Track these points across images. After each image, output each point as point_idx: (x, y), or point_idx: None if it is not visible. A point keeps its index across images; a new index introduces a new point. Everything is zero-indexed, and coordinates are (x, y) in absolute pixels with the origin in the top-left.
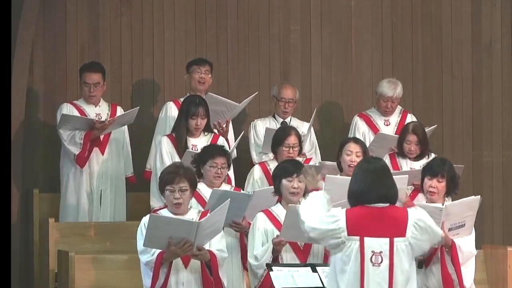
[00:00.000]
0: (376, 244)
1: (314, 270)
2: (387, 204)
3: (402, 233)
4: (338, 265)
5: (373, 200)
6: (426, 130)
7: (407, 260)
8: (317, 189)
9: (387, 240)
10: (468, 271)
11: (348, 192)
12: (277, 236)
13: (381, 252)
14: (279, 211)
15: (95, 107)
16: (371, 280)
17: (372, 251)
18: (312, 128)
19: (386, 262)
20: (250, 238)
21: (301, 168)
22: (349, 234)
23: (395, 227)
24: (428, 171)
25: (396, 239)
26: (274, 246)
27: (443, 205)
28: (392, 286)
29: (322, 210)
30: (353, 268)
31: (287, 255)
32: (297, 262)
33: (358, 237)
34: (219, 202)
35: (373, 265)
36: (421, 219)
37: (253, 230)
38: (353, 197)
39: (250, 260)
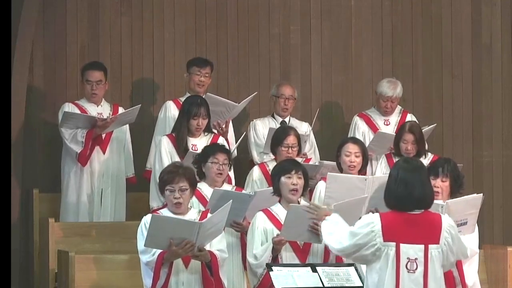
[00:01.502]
0: (411, 251)
1: (314, 270)
2: (422, 210)
3: (436, 240)
4: (375, 275)
5: (413, 204)
6: (425, 129)
7: (439, 266)
8: (327, 215)
9: (421, 247)
10: (471, 269)
11: (386, 194)
12: (277, 235)
13: (416, 258)
14: (279, 210)
15: (97, 106)
16: (406, 286)
17: (408, 258)
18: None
19: (420, 268)
20: (249, 237)
21: (298, 165)
22: (385, 240)
23: (429, 234)
24: (432, 171)
25: (430, 246)
26: (274, 245)
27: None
28: None
29: (345, 226)
30: (389, 274)
31: (287, 254)
32: (297, 261)
33: (394, 243)
34: (220, 201)
35: (408, 272)
36: (453, 226)
37: (252, 229)
38: (394, 199)
39: (250, 259)
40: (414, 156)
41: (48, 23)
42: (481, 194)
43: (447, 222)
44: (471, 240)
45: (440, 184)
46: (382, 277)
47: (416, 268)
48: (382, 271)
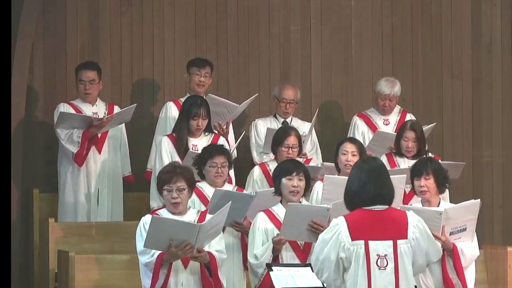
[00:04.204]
0: (380, 247)
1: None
2: (386, 206)
3: (404, 235)
4: (348, 276)
5: (369, 200)
6: (425, 128)
7: (409, 262)
8: None
9: (390, 242)
10: (469, 274)
11: (344, 192)
12: (277, 234)
13: (386, 255)
14: (280, 210)
15: (92, 106)
16: (378, 283)
17: (377, 255)
18: (313, 129)
19: (391, 265)
20: (250, 237)
21: (300, 166)
22: (353, 239)
23: (396, 229)
24: (414, 172)
25: (399, 241)
26: (274, 245)
27: (439, 204)
28: None
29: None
30: (361, 273)
31: (287, 254)
32: (297, 261)
33: (362, 241)
34: (221, 202)
35: (379, 269)
36: (421, 220)
37: (253, 229)
38: (349, 197)
39: (250, 259)
40: (415, 155)
41: (48, 23)
42: (479, 200)
43: (413, 217)
44: (471, 245)
45: (425, 183)
46: (354, 277)
47: (387, 265)
48: (354, 271)
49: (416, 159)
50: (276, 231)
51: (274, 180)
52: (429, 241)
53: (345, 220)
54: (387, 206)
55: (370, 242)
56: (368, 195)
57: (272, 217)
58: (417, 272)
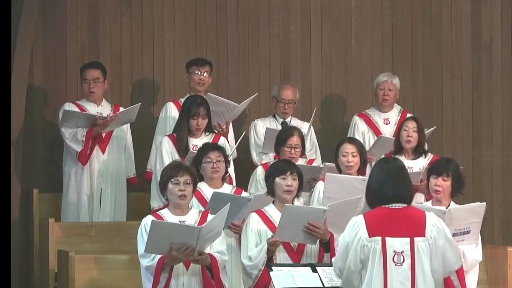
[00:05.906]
0: (397, 244)
1: (314, 270)
2: (404, 205)
3: (422, 233)
4: (364, 272)
5: (388, 199)
6: (425, 131)
7: (427, 260)
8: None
9: (407, 239)
10: (472, 278)
11: (365, 191)
12: (272, 236)
13: (402, 251)
14: (272, 211)
15: (97, 106)
16: (394, 279)
17: (394, 251)
18: (312, 128)
19: (408, 261)
20: (243, 239)
21: (293, 166)
22: (370, 236)
23: (414, 227)
24: (434, 170)
25: (416, 239)
26: (269, 247)
27: (448, 205)
28: (415, 285)
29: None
30: (377, 269)
31: (280, 255)
32: (290, 262)
33: (379, 238)
34: (219, 204)
35: (395, 265)
36: (440, 221)
37: (246, 231)
38: (370, 195)
39: (244, 261)
40: (415, 151)
41: (48, 23)
42: (484, 203)
43: (433, 217)
44: (474, 249)
45: (442, 183)
46: (370, 272)
47: (403, 261)
48: (370, 266)
49: (416, 158)
50: (269, 232)
51: (267, 180)
52: (449, 244)
53: (363, 218)
54: (406, 205)
55: (387, 239)
56: (386, 195)
57: (265, 218)
58: (436, 280)
